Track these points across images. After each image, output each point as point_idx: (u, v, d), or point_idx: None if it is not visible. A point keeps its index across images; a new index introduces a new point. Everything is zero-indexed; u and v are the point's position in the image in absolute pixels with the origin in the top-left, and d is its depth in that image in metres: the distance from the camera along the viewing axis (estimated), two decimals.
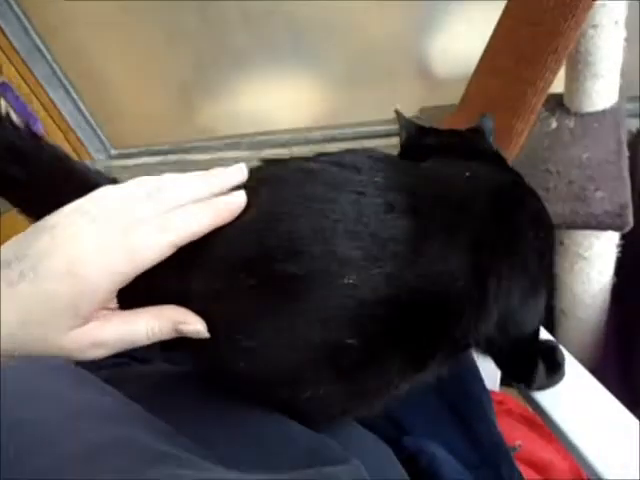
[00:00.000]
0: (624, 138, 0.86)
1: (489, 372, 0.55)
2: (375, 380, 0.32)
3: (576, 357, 0.98)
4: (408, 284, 0.31)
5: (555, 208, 0.76)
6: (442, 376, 0.42)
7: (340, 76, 1.34)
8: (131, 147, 1.78)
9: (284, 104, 1.44)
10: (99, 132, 1.82)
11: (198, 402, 0.32)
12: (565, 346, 0.99)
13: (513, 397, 0.65)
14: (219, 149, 1.61)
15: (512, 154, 0.78)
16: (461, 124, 0.86)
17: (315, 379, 0.30)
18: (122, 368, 0.39)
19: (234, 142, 1.57)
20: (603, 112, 0.91)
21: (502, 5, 0.85)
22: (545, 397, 0.52)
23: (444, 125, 0.90)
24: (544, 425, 0.51)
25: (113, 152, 1.81)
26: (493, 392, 0.59)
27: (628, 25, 0.83)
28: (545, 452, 0.59)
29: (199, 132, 1.63)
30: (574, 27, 0.72)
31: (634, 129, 1.07)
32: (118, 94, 1.66)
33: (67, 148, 1.78)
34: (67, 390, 0.25)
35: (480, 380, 0.49)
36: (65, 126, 1.75)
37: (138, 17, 1.38)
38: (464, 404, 0.44)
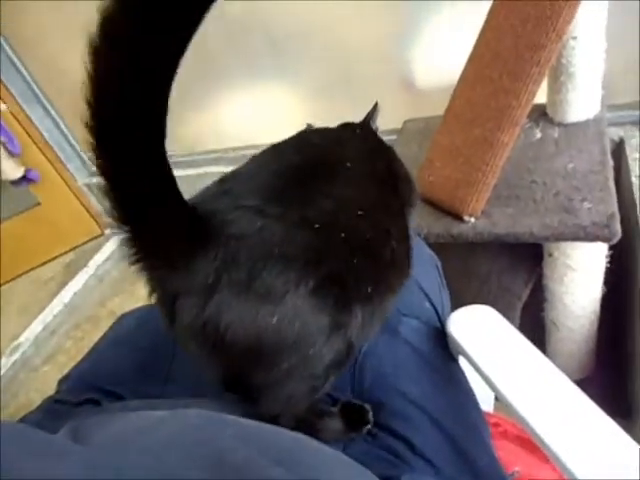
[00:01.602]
0: (608, 147, 0.86)
1: (483, 394, 0.53)
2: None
3: (567, 367, 0.97)
4: None
5: (544, 220, 0.75)
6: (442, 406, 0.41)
7: (322, 89, 1.33)
8: None
9: (267, 117, 1.43)
10: (78, 149, 1.78)
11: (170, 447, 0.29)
12: (556, 357, 0.98)
13: (508, 418, 0.64)
14: (202, 164, 1.59)
15: (498, 166, 0.78)
16: (447, 137, 0.86)
17: None
18: (92, 409, 0.36)
19: (217, 157, 1.56)
20: (586, 122, 0.91)
21: (484, 17, 0.85)
22: (534, 414, 0.50)
23: (432, 140, 0.89)
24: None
25: (94, 169, 1.77)
26: (488, 414, 0.58)
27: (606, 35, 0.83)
28: (542, 472, 0.57)
29: (182, 147, 1.61)
30: (556, 39, 0.72)
31: (616, 138, 1.07)
32: None
33: (46, 166, 1.75)
34: (19, 462, 0.22)
35: (477, 406, 0.47)
36: (43, 143, 1.72)
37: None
38: (463, 435, 0.42)
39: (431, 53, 1.17)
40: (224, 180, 0.41)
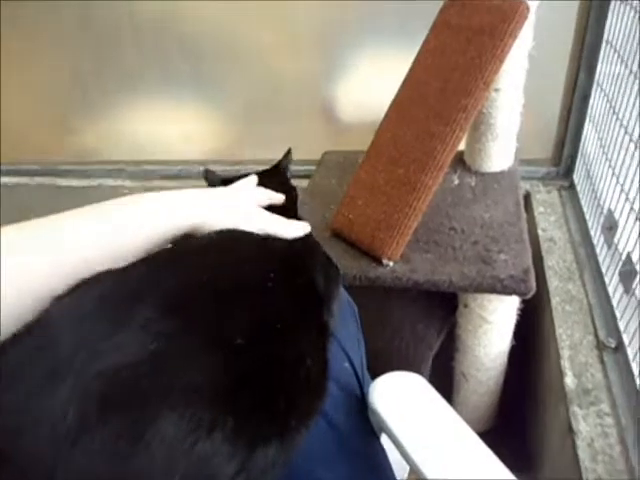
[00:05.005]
0: (521, 200, 0.87)
1: (396, 462, 0.47)
2: None
3: (472, 419, 0.95)
4: None
5: (462, 269, 0.73)
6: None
7: (241, 111, 1.25)
8: None
9: (177, 133, 1.32)
10: None
11: None
12: (463, 408, 0.96)
13: None
14: (99, 175, 1.41)
15: (421, 210, 0.74)
16: (370, 174, 0.82)
17: None
18: None
19: (116, 169, 1.40)
20: (501, 173, 0.93)
21: (410, 57, 0.83)
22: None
23: (354, 176, 0.84)
24: None
25: None
26: None
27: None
28: None
29: (76, 155, 1.43)
30: (483, 88, 0.71)
31: (522, 191, 1.11)
32: None
33: None
34: None
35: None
36: None
37: (9, 17, 1.18)
38: None
39: (354, 88, 1.15)
40: (90, 283, 0.30)
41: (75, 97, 1.31)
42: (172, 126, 1.31)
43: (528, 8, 0.70)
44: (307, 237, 0.48)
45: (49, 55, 1.24)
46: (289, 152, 0.64)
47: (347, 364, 0.47)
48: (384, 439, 0.42)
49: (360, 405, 0.43)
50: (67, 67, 1.26)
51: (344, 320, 0.52)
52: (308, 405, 0.33)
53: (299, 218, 0.56)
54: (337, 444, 0.39)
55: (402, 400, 0.39)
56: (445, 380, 0.94)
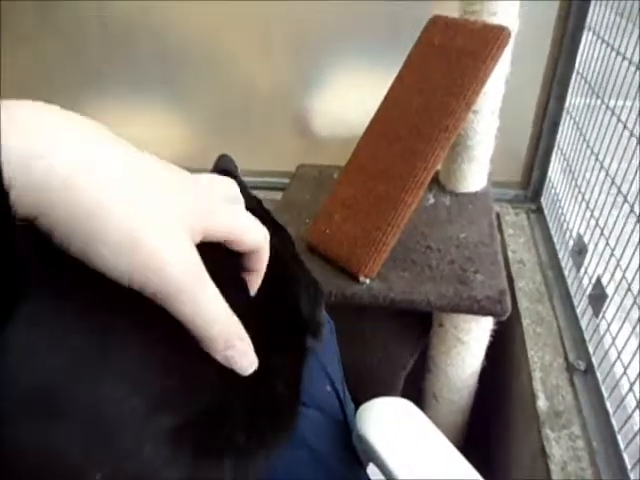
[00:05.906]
0: (495, 222, 0.88)
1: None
2: None
3: None
4: None
5: (440, 289, 0.72)
6: None
7: (212, 118, 1.22)
8: None
9: (142, 137, 1.27)
10: None
11: None
12: None
13: None
14: None
15: (399, 227, 0.74)
16: (348, 189, 0.81)
17: None
18: None
19: None
20: (475, 194, 0.94)
21: (390, 75, 0.83)
22: None
23: (332, 191, 0.82)
24: None
25: None
26: None
27: None
28: None
29: None
30: (465, 108, 0.72)
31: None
32: None
33: None
34: None
35: None
36: None
37: None
38: None
39: (331, 102, 1.14)
40: None
41: (34, 93, 1.25)
42: (137, 129, 1.26)
43: (510, 33, 0.71)
44: (292, 251, 0.45)
45: (7, 48, 1.17)
46: (224, 157, 0.45)
47: (329, 387, 0.45)
48: (369, 470, 0.40)
49: (344, 432, 0.41)
50: (27, 62, 1.19)
51: (325, 340, 0.50)
52: (272, 432, 0.30)
53: (278, 225, 0.47)
54: (323, 476, 0.36)
55: (395, 428, 0.37)
56: (414, 400, 0.93)
